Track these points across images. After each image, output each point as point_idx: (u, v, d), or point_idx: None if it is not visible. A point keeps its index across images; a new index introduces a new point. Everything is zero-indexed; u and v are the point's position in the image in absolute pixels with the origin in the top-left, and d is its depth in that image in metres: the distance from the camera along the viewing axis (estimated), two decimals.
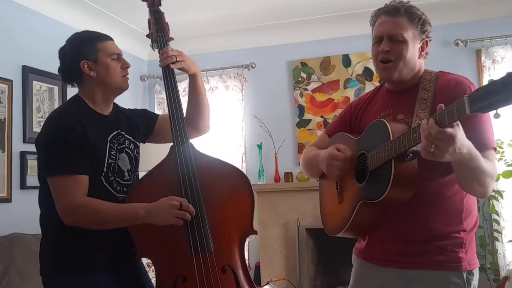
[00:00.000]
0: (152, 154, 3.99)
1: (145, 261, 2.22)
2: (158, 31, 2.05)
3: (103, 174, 1.80)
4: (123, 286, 1.83)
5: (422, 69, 1.68)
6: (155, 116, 2.10)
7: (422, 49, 1.65)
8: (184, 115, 1.95)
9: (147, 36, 2.10)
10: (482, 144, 1.47)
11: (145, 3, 2.12)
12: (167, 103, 1.94)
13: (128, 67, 1.90)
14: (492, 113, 1.14)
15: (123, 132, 1.91)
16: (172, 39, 2.07)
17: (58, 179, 1.71)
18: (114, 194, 1.82)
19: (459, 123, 1.27)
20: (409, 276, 1.59)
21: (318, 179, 1.95)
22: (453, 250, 1.56)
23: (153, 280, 1.96)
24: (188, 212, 1.72)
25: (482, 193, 1.51)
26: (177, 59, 1.93)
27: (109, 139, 1.84)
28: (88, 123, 1.78)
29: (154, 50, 2.07)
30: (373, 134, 1.62)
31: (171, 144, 1.90)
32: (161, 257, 1.81)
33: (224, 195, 1.88)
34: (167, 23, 2.09)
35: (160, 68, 1.97)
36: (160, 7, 2.11)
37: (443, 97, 1.31)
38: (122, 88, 1.90)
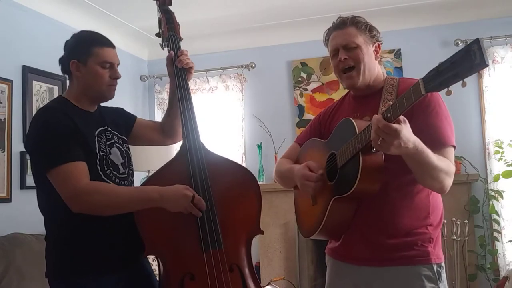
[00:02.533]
0: (153, 154, 4.00)
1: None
2: (170, 30, 2.05)
3: (99, 167, 1.78)
4: (129, 287, 1.81)
5: (383, 74, 1.79)
6: (133, 117, 2.09)
7: (376, 52, 1.76)
8: (195, 115, 1.95)
9: (157, 35, 2.10)
10: (439, 141, 1.56)
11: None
12: (179, 101, 1.95)
13: (117, 78, 1.87)
14: (444, 91, 1.24)
15: (110, 128, 1.90)
16: (182, 38, 2.08)
17: (58, 170, 1.68)
18: None
19: (405, 120, 1.37)
20: (382, 274, 1.64)
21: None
22: (422, 245, 1.63)
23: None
24: (199, 207, 1.73)
25: (439, 188, 1.58)
26: (190, 64, 2.01)
27: (96, 133, 1.83)
28: (74, 117, 1.77)
29: (163, 49, 2.08)
30: (340, 132, 1.71)
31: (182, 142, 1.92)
32: (169, 254, 1.80)
33: (233, 194, 1.89)
34: (178, 22, 2.10)
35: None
36: (170, 6, 2.11)
37: None
38: (105, 97, 1.88)
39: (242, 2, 4.15)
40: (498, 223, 4.03)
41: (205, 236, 1.77)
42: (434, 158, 1.48)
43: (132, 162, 1.98)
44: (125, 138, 1.98)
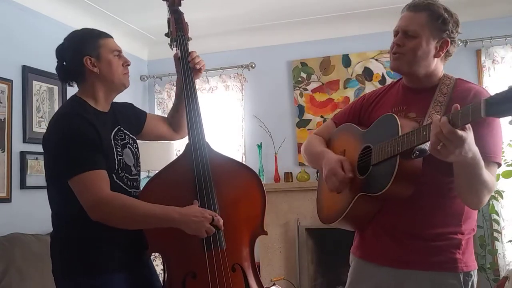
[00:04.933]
0: (153, 154, 4.00)
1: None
2: (178, 30, 2.08)
3: (114, 171, 1.78)
4: (134, 286, 1.81)
5: (441, 71, 1.66)
6: (144, 114, 2.09)
7: (440, 48, 1.61)
8: (201, 114, 1.96)
9: (166, 35, 2.13)
10: (486, 156, 1.45)
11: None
12: (185, 101, 1.97)
13: (128, 65, 1.90)
14: (507, 119, 1.15)
15: (122, 128, 1.91)
16: (191, 39, 2.11)
17: (79, 178, 1.68)
18: (126, 189, 1.82)
19: (470, 127, 1.28)
20: (405, 276, 1.57)
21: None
22: (450, 251, 1.55)
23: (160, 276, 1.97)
24: (217, 227, 1.72)
25: (475, 204, 1.50)
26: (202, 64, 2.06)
27: (112, 136, 1.83)
28: (94, 121, 1.77)
29: (172, 49, 2.10)
30: (381, 127, 1.62)
31: (187, 141, 1.93)
32: (172, 252, 1.81)
33: (237, 194, 1.90)
34: (186, 23, 2.12)
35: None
36: (180, 7, 2.14)
37: (459, 104, 1.29)
38: (124, 85, 1.89)
39: (242, 2, 4.15)
40: (498, 223, 4.03)
41: (208, 236, 1.76)
42: (485, 172, 1.40)
43: (140, 161, 1.99)
44: (134, 137, 1.98)
